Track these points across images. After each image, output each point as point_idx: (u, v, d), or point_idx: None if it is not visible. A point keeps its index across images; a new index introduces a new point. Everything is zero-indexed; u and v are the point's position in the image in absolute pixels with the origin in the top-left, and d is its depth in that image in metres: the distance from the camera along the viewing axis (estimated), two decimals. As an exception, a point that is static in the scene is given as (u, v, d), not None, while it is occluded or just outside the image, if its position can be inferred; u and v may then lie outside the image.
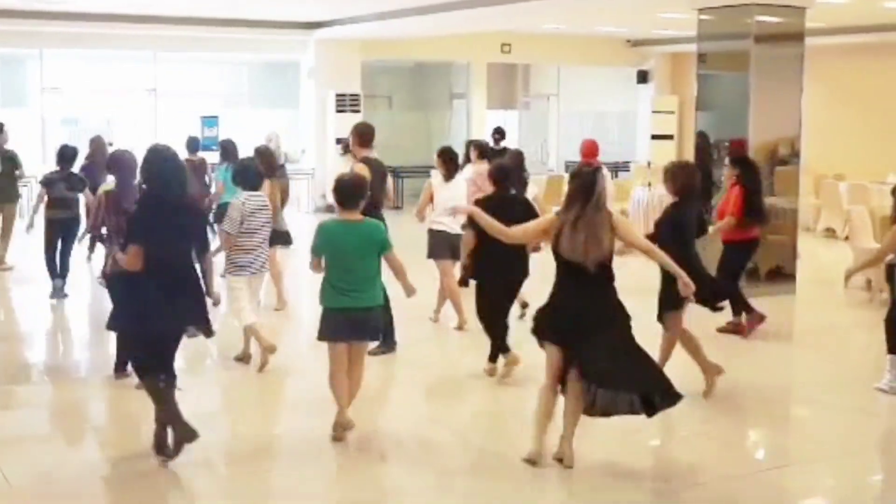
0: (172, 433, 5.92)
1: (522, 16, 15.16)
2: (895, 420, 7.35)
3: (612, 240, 5.73)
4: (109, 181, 7.49)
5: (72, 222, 10.76)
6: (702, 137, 12.14)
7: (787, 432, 7.27)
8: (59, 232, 10.77)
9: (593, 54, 21.91)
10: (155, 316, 5.82)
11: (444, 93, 22.87)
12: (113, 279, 6.84)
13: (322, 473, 6.16)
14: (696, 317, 7.92)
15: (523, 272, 7.77)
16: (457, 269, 9.29)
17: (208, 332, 6.22)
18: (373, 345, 7.30)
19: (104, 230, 7.28)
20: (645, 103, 22.77)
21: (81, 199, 10.76)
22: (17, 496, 5.62)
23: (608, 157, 19.68)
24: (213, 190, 12.31)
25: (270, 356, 7.97)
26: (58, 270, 10.77)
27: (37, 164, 16.21)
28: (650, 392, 5.80)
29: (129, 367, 7.15)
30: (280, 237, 10.05)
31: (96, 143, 12.41)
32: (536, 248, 7.99)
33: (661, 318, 7.30)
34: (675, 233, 7.17)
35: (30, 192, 15.01)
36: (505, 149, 13.46)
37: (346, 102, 18.92)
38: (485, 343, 7.90)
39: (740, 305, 9.27)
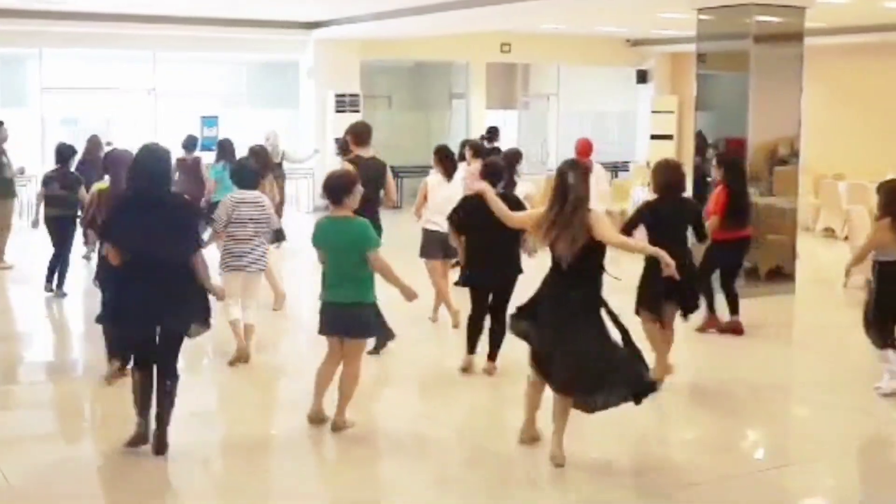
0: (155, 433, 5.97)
1: (521, 15, 15.15)
2: (894, 420, 7.35)
3: (588, 239, 5.72)
4: (105, 180, 7.51)
5: (66, 220, 10.71)
6: (701, 137, 12.13)
7: (786, 432, 7.27)
8: (54, 229, 10.77)
9: (593, 54, 21.89)
10: (126, 315, 5.94)
11: (444, 93, 22.84)
12: (101, 273, 6.96)
13: (319, 471, 6.16)
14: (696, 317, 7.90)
15: (512, 272, 7.76)
16: (456, 271, 9.27)
17: (198, 329, 6.15)
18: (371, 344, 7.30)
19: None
20: (644, 103, 22.75)
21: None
22: (17, 496, 5.62)
23: (608, 156, 19.75)
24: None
25: (241, 363, 8.00)
26: (55, 271, 10.76)
27: (36, 163, 16.19)
28: (622, 391, 5.84)
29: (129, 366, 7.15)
30: (273, 234, 10.04)
31: (92, 142, 12.55)
32: (532, 252, 8.07)
33: (638, 311, 7.40)
34: (653, 226, 7.30)
35: (30, 191, 14.99)
36: (497, 148, 13.47)
37: (345, 102, 18.92)
38: (483, 343, 7.93)
39: (708, 302, 9.19)
